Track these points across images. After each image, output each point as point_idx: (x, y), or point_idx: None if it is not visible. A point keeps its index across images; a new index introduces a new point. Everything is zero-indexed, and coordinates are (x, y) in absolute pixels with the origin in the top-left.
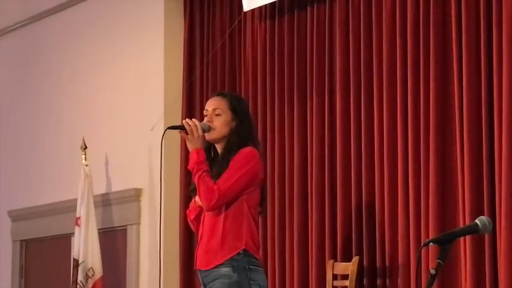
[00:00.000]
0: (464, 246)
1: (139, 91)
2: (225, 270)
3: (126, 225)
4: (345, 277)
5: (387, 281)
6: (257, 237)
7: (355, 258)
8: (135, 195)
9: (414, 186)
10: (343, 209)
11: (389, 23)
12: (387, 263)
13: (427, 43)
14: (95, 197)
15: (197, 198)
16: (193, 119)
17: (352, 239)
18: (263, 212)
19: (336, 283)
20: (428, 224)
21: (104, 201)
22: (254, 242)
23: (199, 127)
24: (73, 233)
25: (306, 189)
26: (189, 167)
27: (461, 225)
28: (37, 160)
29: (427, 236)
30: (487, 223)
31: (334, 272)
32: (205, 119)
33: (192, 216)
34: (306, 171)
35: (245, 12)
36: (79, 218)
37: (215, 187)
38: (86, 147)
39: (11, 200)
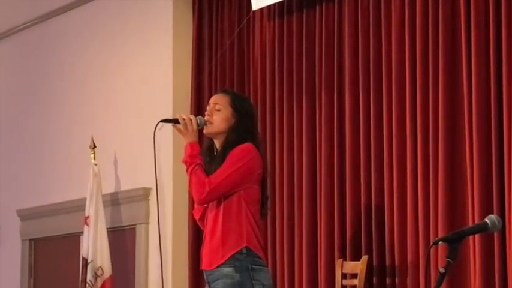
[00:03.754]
0: (474, 244)
1: (148, 90)
2: (227, 270)
3: (135, 225)
4: (354, 276)
5: (396, 279)
6: (259, 235)
7: (364, 257)
8: (144, 194)
9: (423, 185)
10: (352, 208)
11: (399, 22)
12: (396, 262)
13: (436, 42)
14: (103, 196)
15: None
16: (188, 114)
17: (361, 237)
18: (265, 213)
19: (345, 282)
20: (438, 222)
21: (113, 201)
22: (257, 239)
23: (193, 121)
24: (82, 232)
25: (315, 188)
26: (183, 160)
27: (470, 224)
28: (46, 159)
29: (436, 234)
30: (496, 222)
31: (343, 271)
32: (206, 113)
33: (197, 216)
34: (314, 170)
35: (254, 11)
36: (88, 217)
37: (206, 180)
38: (94, 147)
39: (20, 199)
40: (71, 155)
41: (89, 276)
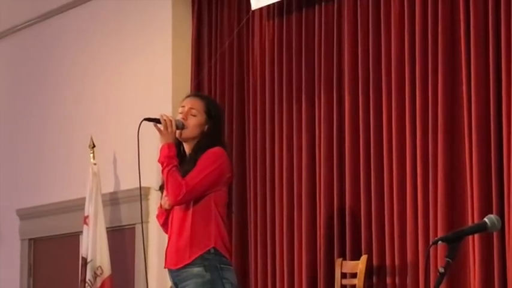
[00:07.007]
0: (473, 244)
1: (147, 90)
2: (197, 270)
3: (134, 224)
4: (353, 275)
5: (396, 279)
6: (226, 237)
7: (364, 257)
8: (143, 193)
9: (423, 185)
10: (352, 207)
11: (398, 21)
12: (396, 262)
13: (436, 41)
14: (103, 195)
15: (162, 201)
16: (168, 115)
17: (360, 237)
18: (230, 216)
19: (344, 281)
20: (437, 222)
21: (112, 200)
22: (223, 241)
23: (173, 123)
24: (81, 232)
25: (315, 188)
26: (159, 160)
27: (469, 223)
28: (45, 159)
29: (436, 234)
30: (495, 221)
31: (343, 271)
32: (180, 116)
33: (161, 221)
34: (314, 169)
35: (253, 11)
36: (87, 216)
37: (183, 182)
38: (94, 146)
39: (20, 198)
40: (71, 155)
41: (89, 276)
